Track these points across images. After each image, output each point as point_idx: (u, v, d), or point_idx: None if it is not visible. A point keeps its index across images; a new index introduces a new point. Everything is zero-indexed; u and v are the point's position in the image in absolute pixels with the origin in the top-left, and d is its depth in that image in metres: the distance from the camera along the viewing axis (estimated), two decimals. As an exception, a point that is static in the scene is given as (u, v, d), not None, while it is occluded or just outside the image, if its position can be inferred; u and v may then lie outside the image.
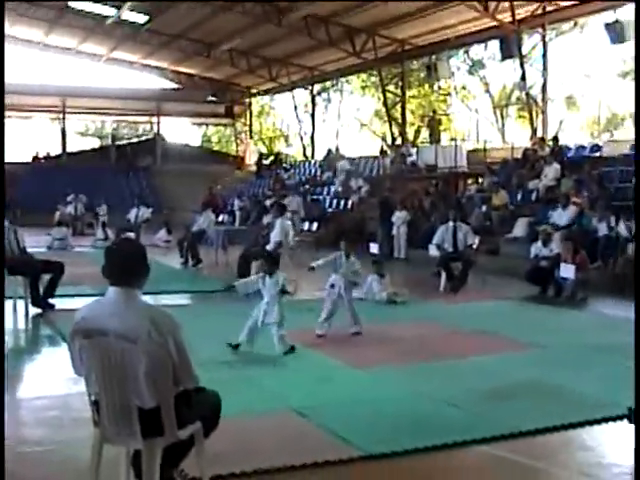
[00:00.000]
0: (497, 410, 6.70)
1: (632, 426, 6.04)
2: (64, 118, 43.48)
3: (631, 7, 22.20)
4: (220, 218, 28.16)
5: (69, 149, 44.55)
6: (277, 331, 9.01)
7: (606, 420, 6.39)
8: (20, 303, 11.53)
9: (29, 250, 12.70)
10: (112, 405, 4.19)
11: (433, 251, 15.44)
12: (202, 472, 4.58)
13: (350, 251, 10.43)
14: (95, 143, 54.96)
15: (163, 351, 4.07)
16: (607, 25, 21.08)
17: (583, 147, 22.57)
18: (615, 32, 20.76)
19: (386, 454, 5.52)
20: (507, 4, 23.22)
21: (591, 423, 6.33)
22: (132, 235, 23.02)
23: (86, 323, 4.19)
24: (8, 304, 11.42)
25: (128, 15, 32.21)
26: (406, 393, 7.32)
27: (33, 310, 11.62)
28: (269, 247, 14.50)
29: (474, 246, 15.41)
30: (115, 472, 4.64)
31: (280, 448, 5.70)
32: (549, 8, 23.88)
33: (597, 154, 21.39)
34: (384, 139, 40.62)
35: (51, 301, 11.83)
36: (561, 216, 16.82)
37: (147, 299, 11.93)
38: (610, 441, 6.13)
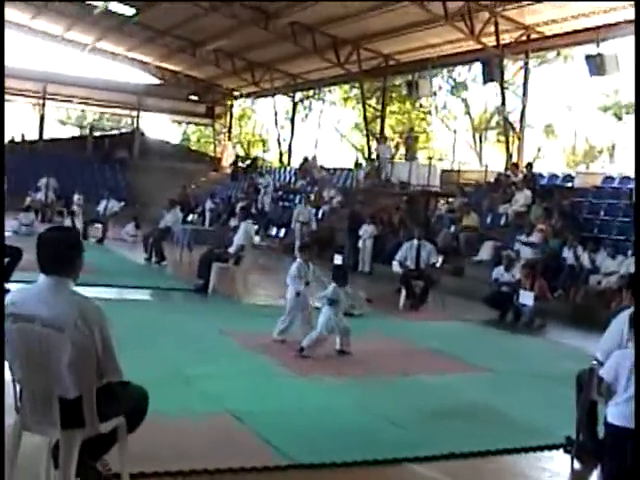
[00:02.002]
0: (435, 430, 6.68)
1: (567, 456, 6.07)
2: (44, 104, 43.12)
3: (614, 42, 22.47)
4: (190, 217, 28.08)
5: (48, 136, 44.15)
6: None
7: (542, 448, 6.37)
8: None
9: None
10: (34, 393, 4.16)
11: (396, 267, 15.44)
12: (122, 468, 4.51)
13: (309, 259, 10.41)
14: (75, 132, 54.59)
15: (89, 342, 4.03)
16: (588, 57, 21.11)
17: (556, 176, 22.65)
18: (595, 65, 20.77)
19: (314, 464, 5.49)
20: (492, 28, 23.28)
21: (527, 450, 6.31)
22: (100, 227, 22.99)
23: (15, 308, 4.14)
24: (-39, 285, 11.31)
25: (116, 6, 32.00)
26: (348, 406, 7.28)
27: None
28: (231, 249, 14.45)
29: (437, 265, 15.44)
30: (37, 461, 4.60)
31: (210, 451, 5.63)
32: (533, 36, 23.98)
33: (569, 184, 21.45)
34: (362, 152, 40.62)
35: (6, 286, 11.65)
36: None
37: (107, 292, 11.84)
38: (544, 469, 6.07)
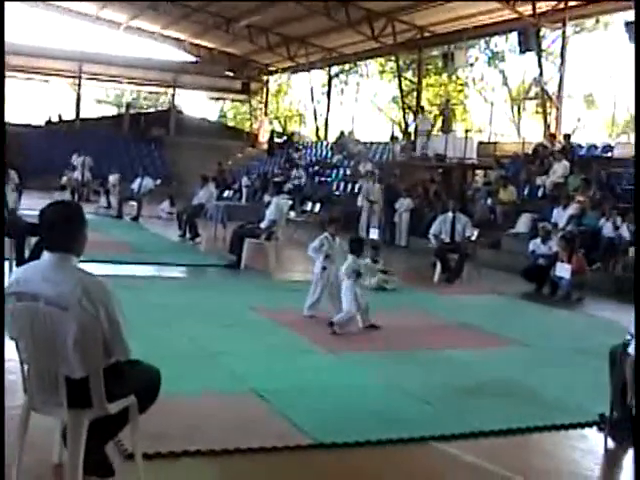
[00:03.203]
0: (463, 407, 6.48)
1: (601, 434, 5.86)
2: (80, 84, 43.20)
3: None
4: (226, 194, 27.98)
5: (85, 115, 44.27)
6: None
7: (574, 426, 6.16)
8: (5, 264, 11.40)
9: (28, 212, 12.66)
10: (40, 372, 4.05)
11: (432, 241, 15.26)
12: (135, 448, 4.39)
13: (336, 233, 10.25)
14: (112, 111, 54.73)
15: (94, 320, 3.90)
16: (627, 23, 20.57)
17: (595, 147, 22.20)
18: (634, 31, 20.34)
19: (337, 444, 5.32)
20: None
21: (558, 428, 6.11)
22: (135, 204, 22.97)
23: (19, 286, 4.03)
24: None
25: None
26: (375, 383, 7.12)
27: (17, 272, 11.44)
28: (263, 225, 14.33)
29: (472, 238, 15.19)
30: (49, 441, 4.57)
31: (230, 430, 5.49)
32: (571, 3, 23.44)
33: (608, 154, 21.05)
34: (399, 125, 40.20)
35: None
36: (561, 215, 16.54)
37: (141, 270, 11.77)
38: (575, 448, 5.84)
